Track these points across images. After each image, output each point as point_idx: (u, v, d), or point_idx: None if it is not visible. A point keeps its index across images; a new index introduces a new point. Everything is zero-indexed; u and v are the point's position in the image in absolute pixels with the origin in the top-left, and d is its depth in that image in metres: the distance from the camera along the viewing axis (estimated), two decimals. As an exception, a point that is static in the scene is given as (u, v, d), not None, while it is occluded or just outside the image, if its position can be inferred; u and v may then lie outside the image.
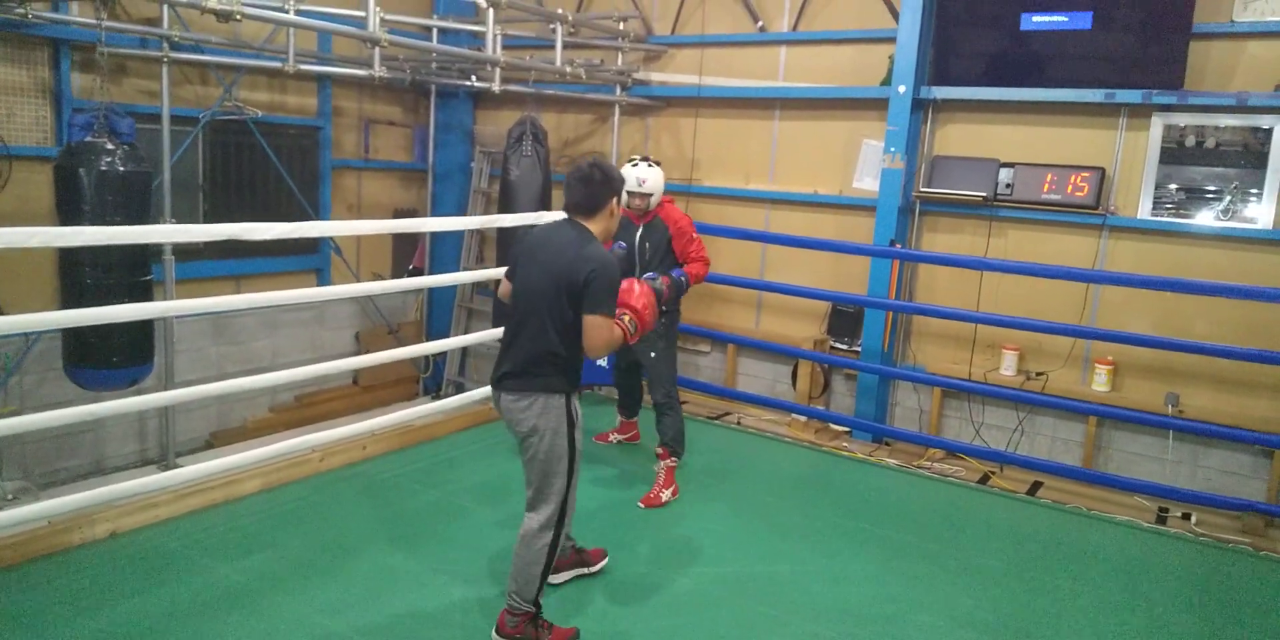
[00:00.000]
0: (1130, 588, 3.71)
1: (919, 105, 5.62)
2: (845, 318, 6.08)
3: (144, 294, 4.78)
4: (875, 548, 3.95)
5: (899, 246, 5.69)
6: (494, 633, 2.99)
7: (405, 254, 7.86)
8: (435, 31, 6.74)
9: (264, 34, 6.25)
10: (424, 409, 4.92)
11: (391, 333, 7.53)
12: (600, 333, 2.84)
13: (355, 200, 7.53)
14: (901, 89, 5.51)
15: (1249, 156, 4.87)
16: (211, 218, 6.37)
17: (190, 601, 3.13)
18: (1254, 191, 4.85)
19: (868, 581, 3.62)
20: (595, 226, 3.01)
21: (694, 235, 4.53)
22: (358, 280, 7.25)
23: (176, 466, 4.81)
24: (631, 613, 3.24)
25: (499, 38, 5.74)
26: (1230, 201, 4.93)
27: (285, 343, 6.99)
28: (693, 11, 6.67)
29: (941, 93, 5.52)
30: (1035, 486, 4.95)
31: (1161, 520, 4.57)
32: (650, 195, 4.42)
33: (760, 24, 6.40)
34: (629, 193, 4.30)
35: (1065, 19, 5.12)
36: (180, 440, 6.03)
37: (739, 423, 5.78)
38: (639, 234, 4.50)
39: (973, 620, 3.35)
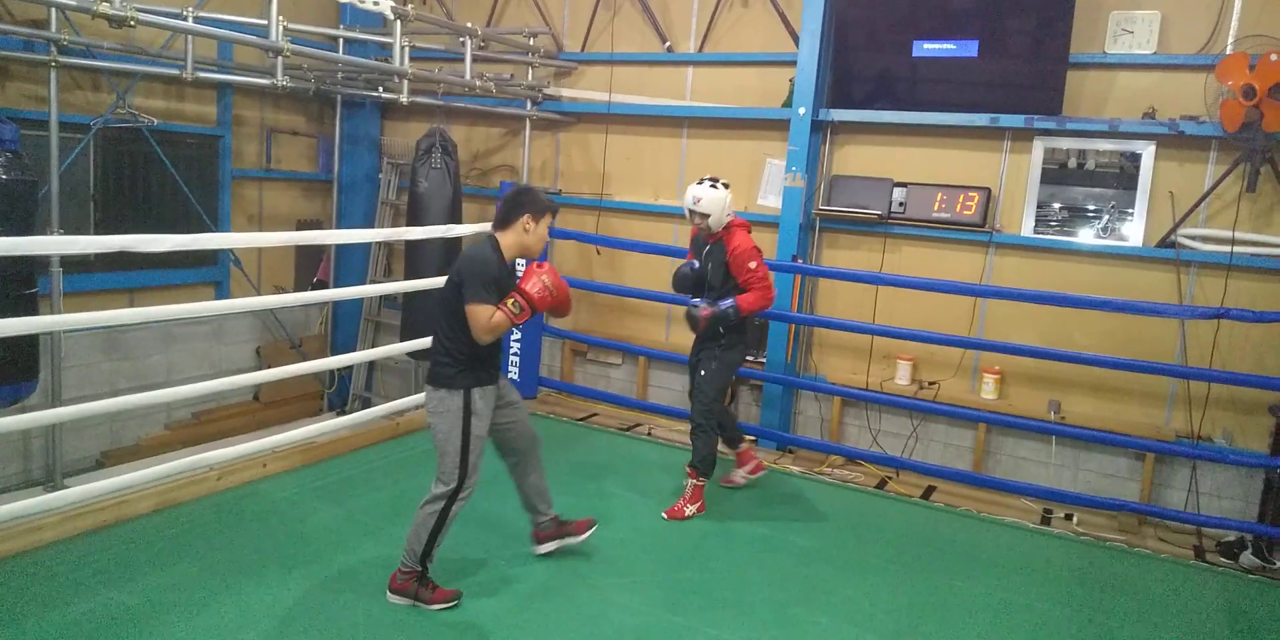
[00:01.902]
0: (1017, 586, 3.92)
1: (818, 126, 5.84)
2: (751, 331, 6.23)
3: (28, 308, 4.56)
4: (779, 552, 4.07)
5: (800, 262, 5.88)
6: (387, 589, 3.33)
7: (309, 267, 7.69)
8: (341, 42, 6.66)
9: (161, 40, 6.06)
10: (328, 425, 4.84)
11: (294, 347, 7.35)
12: (477, 318, 3.23)
13: (256, 211, 7.33)
14: (802, 111, 5.72)
15: (1123, 179, 5.24)
16: (103, 229, 6.11)
17: (76, 627, 3.00)
18: (1128, 211, 5.21)
19: (770, 586, 3.72)
20: (505, 239, 3.41)
21: (751, 263, 4.30)
22: (259, 293, 7.05)
23: (64, 487, 4.59)
24: (533, 623, 3.25)
25: (407, 49, 5.72)
26: (1108, 220, 5.29)
27: (182, 358, 6.75)
28: (602, 30, 6.77)
29: (839, 115, 5.75)
30: (929, 490, 5.17)
31: (1046, 521, 4.84)
32: (707, 215, 4.31)
33: (668, 44, 6.55)
34: (689, 211, 4.36)
35: (954, 47, 5.41)
36: (69, 460, 5.73)
37: (650, 434, 5.86)
38: (705, 253, 4.51)
39: (870, 622, 3.48)
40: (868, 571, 3.95)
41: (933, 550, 4.25)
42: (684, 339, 6.54)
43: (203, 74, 5.58)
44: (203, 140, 6.83)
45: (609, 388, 6.81)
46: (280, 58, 5.25)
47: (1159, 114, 5.03)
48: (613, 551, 3.93)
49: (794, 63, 5.78)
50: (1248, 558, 4.42)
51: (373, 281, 7.50)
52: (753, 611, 3.48)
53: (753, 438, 5.03)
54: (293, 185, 7.61)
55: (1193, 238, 5.03)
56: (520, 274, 3.41)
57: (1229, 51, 4.82)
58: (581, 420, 6.02)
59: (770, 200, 6.18)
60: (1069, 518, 4.87)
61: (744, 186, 6.34)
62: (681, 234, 6.57)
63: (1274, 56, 4.55)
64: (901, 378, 5.66)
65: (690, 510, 4.41)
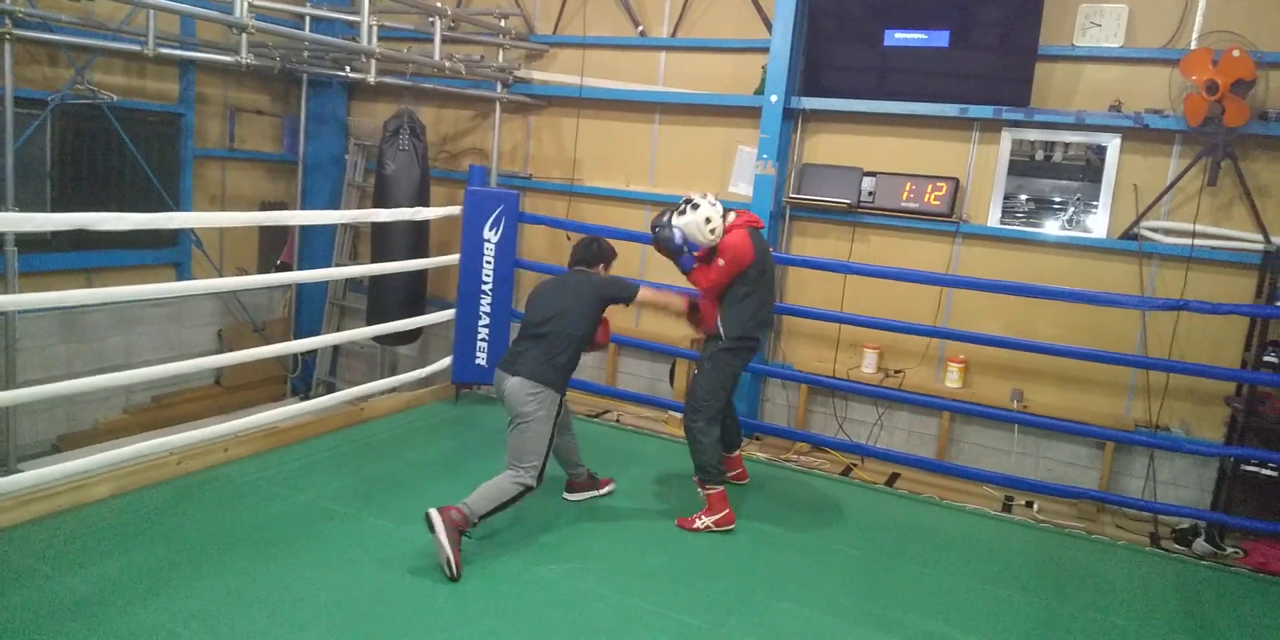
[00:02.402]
0: (978, 571, 3.97)
1: (790, 114, 5.83)
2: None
3: (-20, 287, 4.45)
4: (745, 538, 4.09)
5: (770, 250, 5.88)
6: (438, 514, 3.49)
7: (273, 248, 7.57)
8: (308, 19, 6.52)
9: (121, 14, 5.89)
10: (291, 410, 4.78)
11: (257, 330, 7.24)
12: (654, 293, 4.32)
13: (219, 191, 7.20)
14: (773, 98, 5.71)
15: (1089, 171, 5.30)
16: (61, 206, 5.95)
17: (31, 614, 2.94)
18: (1093, 203, 5.28)
19: (737, 572, 3.75)
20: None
21: (720, 260, 4.12)
22: (220, 275, 6.93)
23: (18, 471, 4.49)
24: (503, 610, 3.25)
25: (375, 28, 5.62)
26: (1074, 212, 5.36)
27: (141, 340, 6.62)
28: (574, 13, 6.70)
29: (811, 103, 5.75)
30: (893, 478, 5.23)
31: (1007, 508, 4.92)
32: (692, 239, 4.18)
33: (640, 29, 6.50)
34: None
35: (925, 37, 5.43)
36: (23, 444, 5.62)
37: (618, 420, 5.86)
38: None
39: (833, 606, 3.52)
40: (831, 557, 3.98)
41: (896, 536, 4.30)
42: (653, 326, 6.56)
43: (164, 50, 5.44)
44: (164, 118, 6.68)
45: (578, 374, 6.71)
46: (245, 35, 5.13)
47: (1125, 107, 5.09)
48: (576, 537, 3.93)
49: (767, 49, 5.76)
50: (1200, 544, 4.52)
51: (338, 265, 7.40)
52: (715, 596, 3.50)
53: (738, 454, 4.83)
54: (256, 165, 7.48)
55: (1155, 230, 5.11)
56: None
57: (1194, 46, 4.88)
58: (549, 406, 6.00)
59: (741, 188, 6.17)
60: (1030, 505, 4.95)
61: (715, 173, 6.33)
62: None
63: (1236, 52, 4.62)
64: (868, 366, 5.70)
65: (703, 523, 4.12)
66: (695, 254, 4.26)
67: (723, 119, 6.24)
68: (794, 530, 4.24)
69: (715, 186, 6.30)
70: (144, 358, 6.52)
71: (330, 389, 7.34)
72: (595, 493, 4.40)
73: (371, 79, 5.88)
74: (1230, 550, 4.49)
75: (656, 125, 6.55)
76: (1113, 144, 5.19)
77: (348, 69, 6.65)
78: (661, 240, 4.23)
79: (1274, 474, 4.59)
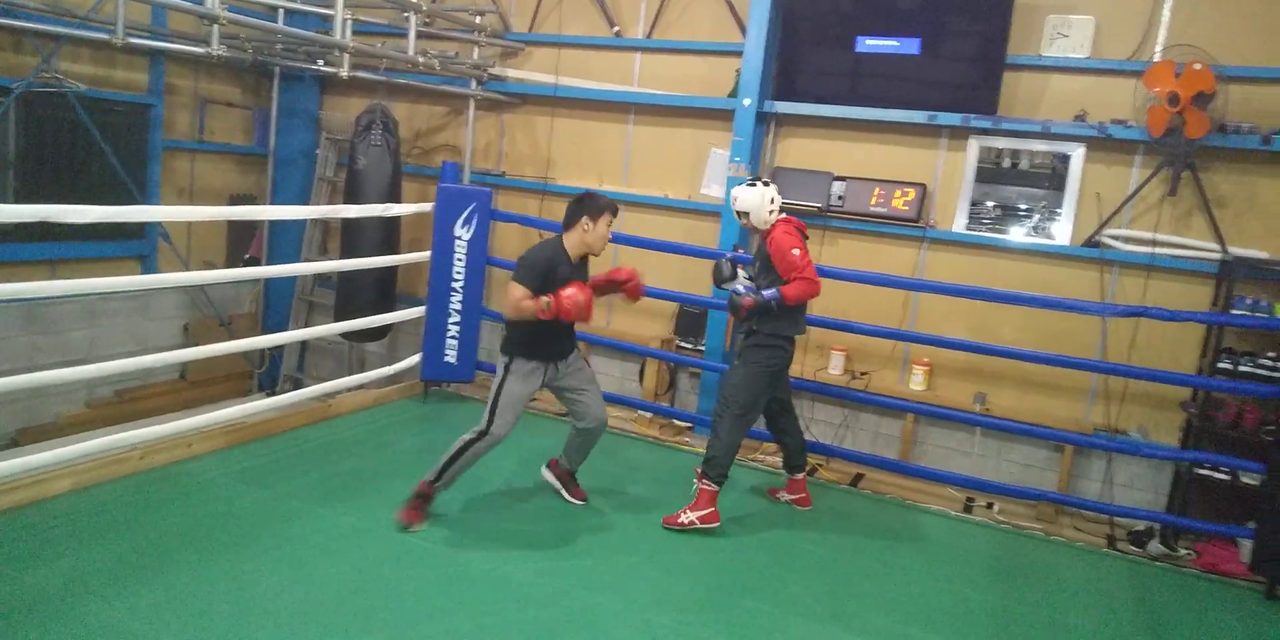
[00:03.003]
0: (939, 571, 4.04)
1: (763, 118, 5.88)
2: (691, 318, 6.28)
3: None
4: (710, 537, 4.12)
5: (741, 251, 5.92)
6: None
7: (242, 243, 7.50)
8: (281, 12, 6.46)
9: (90, 2, 5.80)
10: (257, 405, 4.74)
11: (224, 325, 7.16)
12: (509, 294, 3.79)
13: (187, 184, 7.11)
14: (746, 102, 5.75)
15: (1054, 179, 5.40)
16: (23, 197, 5.86)
17: (-15, 611, 2.90)
18: (1058, 211, 5.38)
19: (702, 570, 3.78)
20: (569, 239, 3.96)
21: (794, 251, 4.13)
22: (187, 269, 6.85)
23: (-27, 466, 4.40)
24: (470, 608, 3.25)
25: (349, 22, 5.59)
26: (1039, 219, 5.45)
27: (105, 333, 6.52)
28: (550, 11, 6.70)
29: (783, 107, 5.80)
30: (857, 478, 5.30)
31: (968, 509, 5.00)
32: (746, 213, 4.27)
33: (616, 29, 6.51)
34: (735, 211, 4.35)
35: (896, 44, 5.50)
36: (-21, 438, 5.53)
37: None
38: (756, 250, 4.47)
39: (796, 604, 3.56)
40: (796, 556, 4.03)
41: (859, 536, 4.36)
42: (625, 325, 6.58)
43: (134, 40, 5.37)
44: (132, 109, 6.59)
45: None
46: (216, 26, 5.08)
47: (1089, 117, 5.20)
48: (546, 536, 3.94)
49: (741, 53, 5.81)
50: (1155, 546, 4.63)
51: (307, 260, 7.34)
52: (682, 595, 3.53)
53: (801, 478, 4.65)
54: (226, 158, 7.40)
55: (1117, 238, 5.22)
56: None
57: (1157, 59, 4.99)
58: (519, 404, 6.00)
59: (714, 190, 6.21)
60: (990, 506, 5.04)
61: (688, 174, 6.37)
62: (627, 221, 6.55)
63: (1197, 66, 4.73)
64: (834, 368, 5.77)
65: (688, 518, 4.11)
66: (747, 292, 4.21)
67: (696, 121, 6.28)
68: (760, 530, 4.28)
69: (688, 188, 6.34)
70: (108, 351, 6.43)
71: (297, 385, 7.27)
72: (563, 491, 4.37)
73: (344, 73, 5.85)
74: (1183, 552, 4.60)
75: (631, 126, 6.57)
76: (1077, 153, 5.30)
77: (321, 62, 6.61)
78: (743, 304, 4.16)
79: (1226, 478, 4.72)
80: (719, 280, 4.47)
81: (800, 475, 4.61)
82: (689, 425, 5.97)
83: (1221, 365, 4.73)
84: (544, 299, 3.77)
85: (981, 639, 3.46)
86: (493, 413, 3.91)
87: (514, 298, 3.78)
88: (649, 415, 5.94)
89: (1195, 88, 4.73)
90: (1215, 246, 5.02)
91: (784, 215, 4.33)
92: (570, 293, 3.79)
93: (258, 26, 5.53)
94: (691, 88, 6.28)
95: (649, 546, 3.95)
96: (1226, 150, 4.93)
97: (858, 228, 5.79)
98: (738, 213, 4.34)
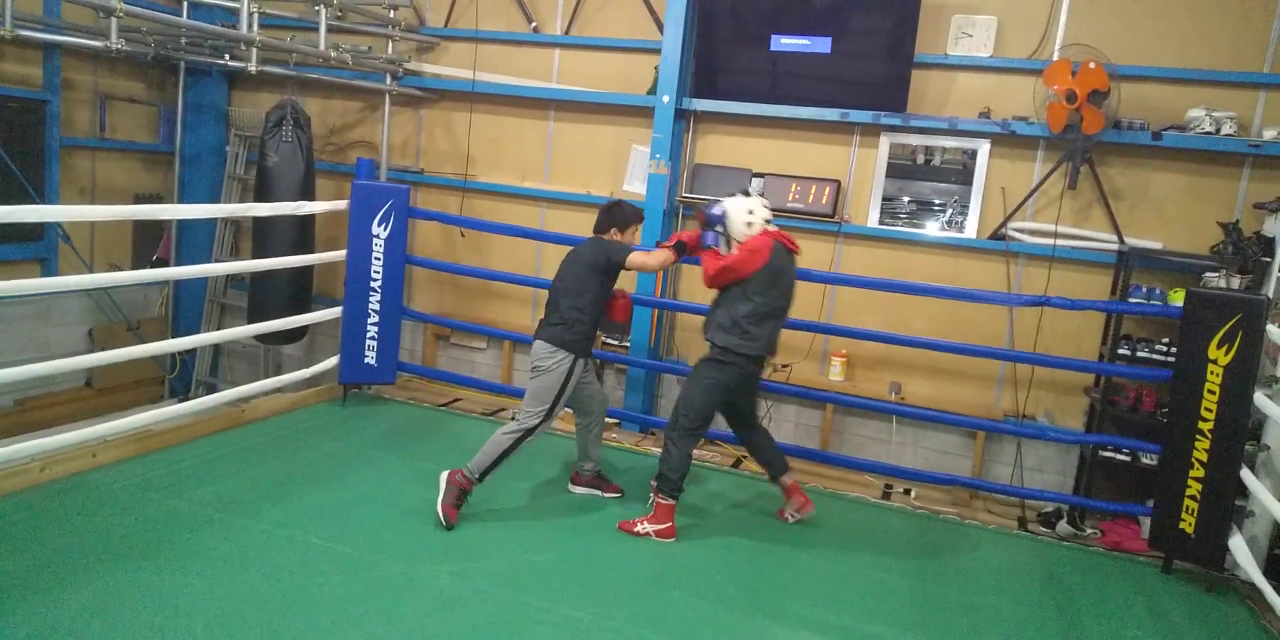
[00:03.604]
0: (858, 557, 4.14)
1: (682, 115, 5.92)
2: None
3: None
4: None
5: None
6: (446, 476, 4.02)
7: (149, 244, 7.21)
8: (186, 5, 6.23)
9: (-28, -9, 5.50)
10: (167, 412, 4.58)
11: (131, 329, 6.88)
12: (643, 260, 4.17)
13: (89, 183, 6.80)
14: (665, 99, 5.78)
15: (965, 175, 5.57)
16: (-97, 197, 5.53)
17: None
18: (968, 205, 5.55)
19: (626, 564, 3.80)
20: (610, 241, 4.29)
21: (740, 256, 4.07)
22: (91, 271, 6.57)
23: None
24: (388, 613, 3.20)
25: (256, 16, 5.43)
26: (951, 213, 5.62)
27: (3, 340, 6.20)
28: (466, 6, 6.62)
29: (702, 105, 5.85)
30: (738, 461, 5.38)
31: (886, 495, 5.13)
32: (723, 217, 4.17)
33: (534, 25, 6.47)
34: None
35: (808, 43, 5.60)
36: None
37: (513, 418, 5.81)
38: None
39: (720, 594, 3.61)
40: (719, 547, 4.08)
41: (780, 524, 4.44)
42: (548, 323, 6.54)
43: (24, 32, 5.11)
44: (26, 105, 6.26)
45: (473, 372, 6.72)
46: (114, 18, 4.88)
47: (994, 114, 5.37)
48: (465, 537, 3.91)
49: (659, 50, 5.82)
50: (1063, 526, 4.82)
51: (218, 260, 7.11)
52: (604, 589, 3.54)
53: (794, 482, 4.52)
54: (130, 156, 7.10)
55: (1021, 231, 5.42)
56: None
57: (1055, 58, 5.19)
58: (444, 405, 5.93)
59: (636, 186, 6.23)
60: (907, 492, 5.19)
61: (610, 171, 6.37)
62: (550, 218, 6.55)
63: (1092, 64, 4.93)
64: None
65: (644, 528, 4.08)
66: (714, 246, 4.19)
67: (617, 117, 6.28)
68: (683, 522, 4.30)
69: (611, 184, 6.35)
70: (6, 358, 6.11)
71: (211, 390, 7.03)
72: (598, 492, 4.55)
73: (253, 68, 5.67)
74: (1089, 531, 4.81)
75: (551, 122, 6.54)
76: (983, 149, 5.48)
77: (228, 57, 6.40)
78: (703, 209, 4.27)
79: (1128, 459, 4.95)
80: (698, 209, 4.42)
81: (789, 479, 4.48)
82: (615, 422, 5.98)
83: (1121, 351, 4.95)
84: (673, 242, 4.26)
85: (900, 622, 3.56)
86: (550, 410, 4.14)
87: (661, 257, 4.20)
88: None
89: (1091, 86, 4.93)
90: (1113, 238, 5.25)
91: (772, 227, 4.20)
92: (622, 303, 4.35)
93: (159, 20, 5.34)
94: (612, 84, 6.28)
95: (571, 543, 3.95)
96: (1121, 145, 5.16)
97: (777, 223, 5.78)
98: (723, 209, 4.22)
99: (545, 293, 6.43)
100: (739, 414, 4.46)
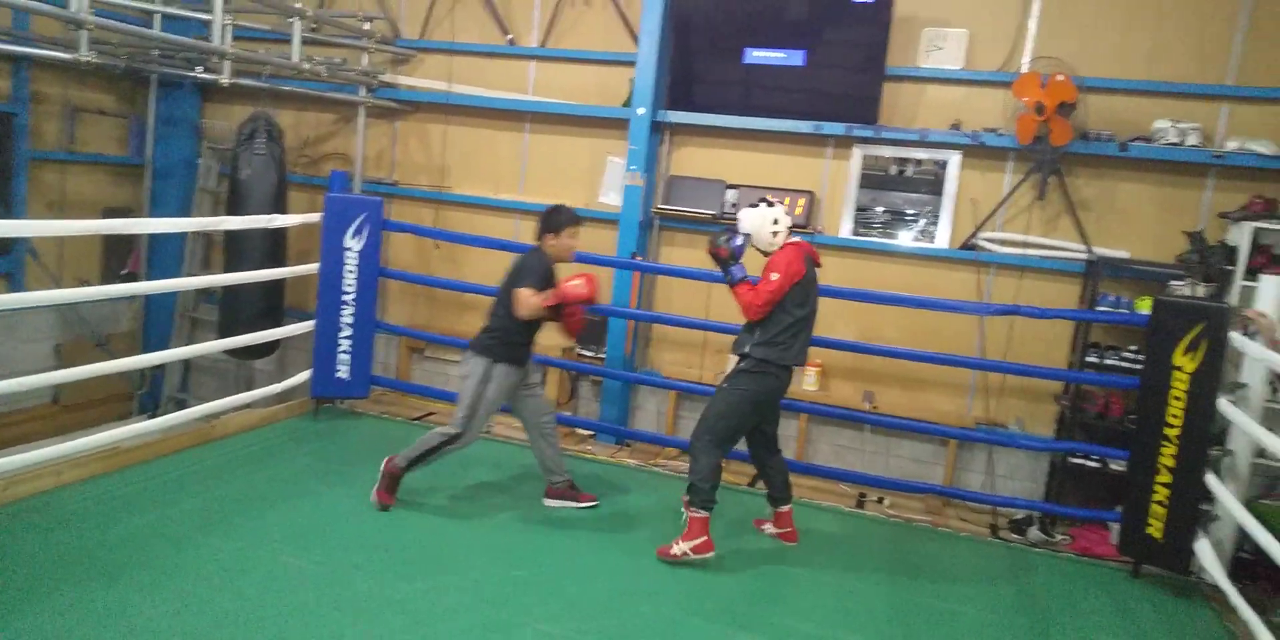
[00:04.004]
0: (833, 566, 4.15)
1: (657, 127, 5.95)
2: (591, 326, 6.27)
3: None
4: (611, 545, 4.13)
5: (640, 259, 5.98)
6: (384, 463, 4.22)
7: (118, 258, 7.14)
8: (158, 17, 6.19)
9: (-63, 3, 5.44)
10: (136, 428, 4.52)
11: (100, 345, 6.80)
12: (523, 301, 4.05)
13: (58, 197, 6.73)
14: (641, 111, 5.81)
15: (938, 185, 5.63)
16: None
17: None
18: (939, 216, 5.61)
19: (602, 578, 3.78)
20: (544, 247, 4.27)
21: (773, 275, 3.97)
22: (59, 286, 6.48)
23: None
24: (361, 633, 3.16)
25: (229, 28, 5.41)
26: (924, 224, 5.68)
27: (-34, 357, 6.12)
28: (442, 18, 6.63)
29: (677, 117, 5.88)
30: (755, 479, 5.36)
31: (860, 504, 5.15)
32: (750, 234, 4.11)
33: (510, 37, 6.49)
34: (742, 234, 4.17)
35: (782, 55, 5.65)
36: None
37: (489, 432, 5.79)
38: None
39: (696, 607, 3.59)
40: (694, 559, 4.06)
41: (757, 535, 4.44)
42: (524, 335, 6.52)
43: (-10, 44, 5.07)
44: (-7, 117, 6.20)
45: (447, 386, 6.66)
46: (84, 31, 4.84)
47: (964, 125, 5.44)
48: (445, 551, 3.88)
49: (634, 63, 5.86)
50: (1034, 533, 4.86)
51: (189, 274, 7.04)
52: (580, 602, 3.52)
53: (787, 510, 4.42)
54: (99, 169, 7.04)
55: (991, 241, 5.48)
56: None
57: (1025, 70, 5.27)
58: (418, 419, 5.89)
59: (611, 198, 6.25)
60: (881, 501, 5.21)
61: (585, 183, 6.38)
62: (525, 229, 6.53)
63: (1061, 77, 5.02)
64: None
65: (680, 548, 3.95)
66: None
67: (592, 129, 6.30)
68: (658, 533, 4.29)
69: (586, 196, 6.35)
70: (-31, 375, 6.02)
71: (181, 406, 6.95)
72: (573, 504, 4.50)
73: (225, 80, 5.64)
74: (1060, 537, 4.86)
75: (527, 134, 6.55)
76: (953, 160, 5.54)
77: (200, 69, 6.35)
78: (717, 243, 4.12)
79: (1097, 465, 5.00)
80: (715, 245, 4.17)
81: (785, 508, 4.38)
82: (590, 434, 5.97)
83: (1089, 359, 5.01)
84: (547, 291, 4.12)
85: (873, 630, 3.57)
86: (470, 418, 4.17)
87: (528, 299, 4.06)
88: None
89: (1059, 98, 5.01)
90: (1081, 247, 5.32)
91: (795, 239, 4.14)
92: (575, 282, 4.12)
93: (129, 32, 5.30)
94: (587, 97, 6.30)
95: (544, 557, 3.93)
96: (1089, 156, 5.23)
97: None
98: (744, 235, 4.14)
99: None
100: (762, 434, 4.32)
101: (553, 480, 4.55)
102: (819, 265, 4.21)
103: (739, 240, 4.12)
